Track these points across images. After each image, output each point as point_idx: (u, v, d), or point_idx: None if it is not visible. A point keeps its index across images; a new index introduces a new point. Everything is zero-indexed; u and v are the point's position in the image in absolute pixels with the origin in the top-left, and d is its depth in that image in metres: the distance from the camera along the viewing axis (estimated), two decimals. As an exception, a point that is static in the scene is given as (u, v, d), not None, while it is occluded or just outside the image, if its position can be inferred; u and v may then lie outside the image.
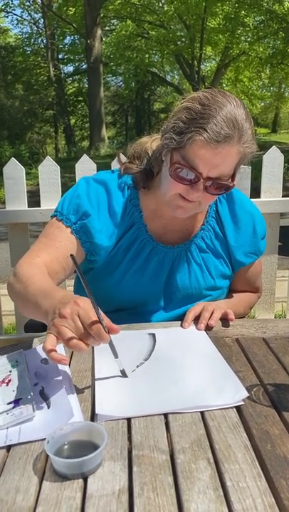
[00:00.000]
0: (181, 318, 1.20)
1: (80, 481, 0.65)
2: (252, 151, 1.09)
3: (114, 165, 2.07)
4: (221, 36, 18.90)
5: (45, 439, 0.72)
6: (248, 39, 18.90)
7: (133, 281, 1.25)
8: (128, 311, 1.27)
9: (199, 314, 1.17)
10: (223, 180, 1.07)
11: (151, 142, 1.26)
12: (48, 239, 1.21)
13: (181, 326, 1.15)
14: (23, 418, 0.78)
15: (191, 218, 1.26)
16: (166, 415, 0.79)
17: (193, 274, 1.27)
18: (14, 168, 2.34)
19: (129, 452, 0.71)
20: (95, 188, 1.24)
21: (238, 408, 0.81)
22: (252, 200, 1.46)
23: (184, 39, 19.77)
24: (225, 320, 1.18)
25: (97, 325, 0.81)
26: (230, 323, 1.18)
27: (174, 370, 0.94)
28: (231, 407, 0.81)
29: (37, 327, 1.41)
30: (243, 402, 0.82)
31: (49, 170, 2.34)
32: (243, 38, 18.99)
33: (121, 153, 1.39)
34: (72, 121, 25.07)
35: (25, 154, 14.09)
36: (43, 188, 2.34)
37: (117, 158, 1.30)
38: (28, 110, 17.94)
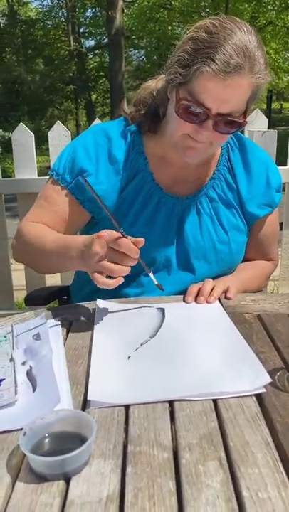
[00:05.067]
0: (196, 280, 1.09)
1: (61, 483, 0.53)
2: (265, 81, 0.96)
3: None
4: (246, 5, 18.11)
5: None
6: (275, 8, 18.04)
7: (141, 233, 1.10)
8: (137, 273, 1.14)
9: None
10: (234, 116, 0.96)
11: (156, 83, 1.12)
12: (46, 202, 1.14)
13: (184, 300, 1.02)
14: (2, 402, 0.66)
15: (203, 166, 1.14)
16: (171, 403, 0.67)
17: (205, 226, 1.15)
18: (23, 134, 2.21)
19: (124, 447, 0.59)
20: (92, 137, 1.12)
21: (259, 396, 0.68)
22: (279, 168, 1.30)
23: (208, 9, 19.03)
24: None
25: (123, 240, 0.86)
26: (250, 297, 1.04)
27: (183, 350, 0.81)
28: (250, 395, 0.68)
29: (37, 300, 1.30)
30: (264, 390, 0.69)
31: (59, 136, 2.21)
32: (270, 6, 18.14)
33: (124, 102, 1.24)
34: (94, 96, 24.69)
35: (45, 130, 13.92)
36: (53, 155, 2.21)
37: (121, 107, 1.17)
38: (48, 85, 17.69)
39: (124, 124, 1.15)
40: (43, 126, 14.54)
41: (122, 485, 0.52)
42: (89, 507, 0.49)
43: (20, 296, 2.85)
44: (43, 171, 2.36)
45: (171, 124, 1.03)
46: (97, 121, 2.20)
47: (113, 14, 17.05)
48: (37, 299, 1.29)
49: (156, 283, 0.98)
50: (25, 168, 2.23)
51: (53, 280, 2.73)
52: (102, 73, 24.12)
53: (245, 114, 0.98)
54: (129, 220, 1.13)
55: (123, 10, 18.50)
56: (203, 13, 19.38)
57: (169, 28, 20.94)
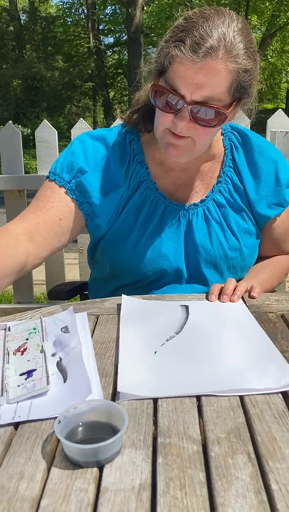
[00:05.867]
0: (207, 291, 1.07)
1: (95, 470, 0.55)
2: (248, 67, 0.91)
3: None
4: (267, 4, 17.95)
5: (57, 417, 0.63)
6: (297, 6, 17.83)
7: (149, 246, 1.11)
8: (148, 284, 1.15)
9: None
10: (212, 106, 0.90)
11: None
12: (39, 201, 1.08)
13: (207, 298, 1.03)
14: (35, 392, 0.68)
15: (204, 169, 1.11)
16: (198, 397, 0.68)
17: (214, 233, 1.12)
18: (47, 131, 2.24)
19: (154, 439, 0.60)
20: (91, 145, 1.10)
21: (285, 394, 0.69)
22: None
23: (228, 7, 18.91)
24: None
25: None
26: (274, 297, 1.05)
27: (208, 346, 0.82)
28: (276, 393, 0.69)
29: (61, 294, 1.33)
30: (290, 388, 0.70)
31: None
32: (291, 5, 17.94)
33: (118, 110, 1.23)
34: (111, 94, 24.74)
35: (63, 127, 14.00)
36: (76, 153, 2.23)
37: (118, 113, 1.16)
38: (67, 82, 17.77)
39: (123, 131, 1.12)
40: (61, 122, 14.62)
41: (153, 474, 0.54)
42: (122, 494, 0.51)
43: (38, 290, 2.90)
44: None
45: (155, 119, 1.00)
46: (118, 121, 2.22)
47: (133, 11, 17.06)
48: (60, 293, 1.32)
49: None
50: (48, 164, 2.26)
51: (71, 276, 2.76)
52: (120, 70, 24.15)
53: (231, 106, 0.94)
54: (135, 232, 1.10)
55: (143, 7, 18.49)
56: (208, 6, 19.16)
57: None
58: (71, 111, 19.04)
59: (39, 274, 2.61)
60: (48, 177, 1.11)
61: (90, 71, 19.98)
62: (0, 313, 2.40)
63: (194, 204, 1.12)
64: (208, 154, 1.10)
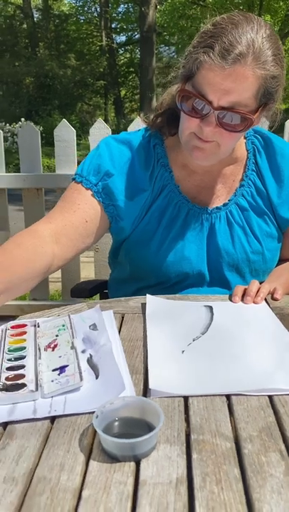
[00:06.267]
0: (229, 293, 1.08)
1: (132, 464, 0.57)
2: (275, 74, 0.92)
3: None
4: (281, 3, 17.84)
5: (92, 412, 0.65)
6: (312, 6, 17.72)
7: (172, 249, 1.12)
8: (169, 287, 1.17)
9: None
10: (238, 111, 0.91)
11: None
12: (65, 202, 1.10)
13: (230, 299, 1.04)
14: (69, 387, 0.70)
15: (227, 172, 1.13)
16: (228, 397, 0.70)
17: (237, 237, 1.13)
18: (65, 131, 2.26)
19: (187, 436, 0.62)
20: (117, 148, 1.12)
21: (313, 395, 0.70)
22: None
23: (241, 6, 18.83)
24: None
25: None
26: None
27: (234, 347, 0.84)
28: (304, 393, 0.70)
29: (83, 292, 1.35)
30: None
31: (100, 133, 2.25)
32: (306, 5, 17.83)
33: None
34: (122, 92, 24.75)
35: (75, 125, 14.03)
36: (94, 152, 2.25)
37: (141, 116, 1.18)
38: (79, 80, 17.82)
39: (147, 134, 1.14)
40: (73, 120, 14.68)
41: (188, 469, 0.56)
42: (161, 487, 0.53)
43: (52, 288, 2.92)
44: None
45: (180, 123, 1.01)
46: (137, 121, 2.24)
47: (146, 10, 17.05)
48: (83, 291, 1.34)
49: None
50: (66, 163, 2.29)
51: (85, 274, 2.78)
52: (131, 69, 24.16)
53: (257, 112, 0.95)
54: (158, 235, 1.12)
55: (156, 6, 18.48)
56: (236, 11, 19.16)
57: (201, 25, 20.74)
58: (82, 109, 19.09)
59: (54, 273, 2.64)
60: (74, 179, 1.13)
61: (101, 69, 20.02)
62: (15, 310, 2.43)
63: (217, 207, 1.13)
64: (231, 158, 1.11)
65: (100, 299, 1.46)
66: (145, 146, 1.13)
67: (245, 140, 1.16)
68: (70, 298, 2.46)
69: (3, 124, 9.18)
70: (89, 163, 1.12)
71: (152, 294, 1.06)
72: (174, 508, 0.50)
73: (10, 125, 9.29)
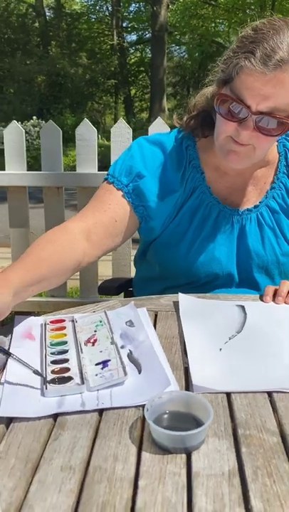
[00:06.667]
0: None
1: (183, 456, 0.58)
2: None
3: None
4: (294, 4, 17.78)
5: (138, 406, 0.67)
6: None
7: (202, 250, 1.14)
8: (198, 287, 1.18)
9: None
10: (276, 116, 0.92)
11: (213, 88, 1.11)
12: (97, 201, 1.13)
13: (261, 299, 1.05)
14: (114, 381, 0.72)
15: (258, 175, 1.14)
16: (270, 393, 0.71)
17: (267, 239, 1.14)
18: (87, 130, 2.28)
19: (233, 430, 0.64)
20: (149, 150, 1.14)
21: None
22: None
23: (253, 6, 18.77)
24: None
25: None
26: None
27: (270, 345, 0.85)
28: None
29: (110, 289, 1.37)
30: None
31: (121, 133, 2.27)
32: None
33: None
34: (132, 91, 24.77)
35: (85, 124, 14.03)
36: (114, 152, 2.27)
37: (174, 118, 1.19)
38: (90, 79, 17.86)
39: (180, 136, 1.15)
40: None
41: (239, 463, 0.57)
42: (214, 479, 0.55)
43: (68, 285, 2.95)
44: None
45: (216, 126, 1.03)
46: (158, 121, 2.25)
47: (158, 9, 17.07)
48: (110, 288, 1.36)
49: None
50: (87, 162, 2.31)
51: (103, 271, 2.80)
52: (142, 68, 24.16)
53: None
54: (189, 236, 1.13)
55: (168, 5, 18.48)
56: (248, 11, 19.21)
57: (213, 25, 20.79)
58: (92, 108, 19.13)
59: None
60: (106, 179, 1.16)
61: (112, 68, 20.05)
62: (33, 306, 2.46)
63: (248, 209, 1.15)
64: (262, 160, 1.13)
65: (124, 297, 1.48)
66: (177, 148, 1.14)
67: (276, 143, 1.17)
68: (87, 295, 2.50)
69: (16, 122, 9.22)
70: (121, 164, 1.14)
71: (181, 293, 1.07)
72: (229, 499, 0.52)
73: (22, 123, 9.37)
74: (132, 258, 1.41)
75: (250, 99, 0.92)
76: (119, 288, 1.40)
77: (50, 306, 2.42)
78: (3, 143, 2.32)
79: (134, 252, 1.37)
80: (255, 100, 0.91)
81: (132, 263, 1.41)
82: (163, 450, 0.59)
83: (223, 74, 0.96)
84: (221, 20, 20.50)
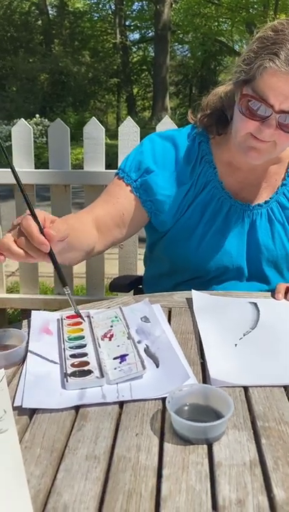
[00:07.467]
0: (269, 289, 1.12)
1: (204, 446, 0.60)
2: None
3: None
4: (297, 3, 17.76)
5: (157, 399, 0.68)
6: None
7: (213, 243, 1.16)
8: (208, 280, 1.20)
9: None
10: None
11: (225, 88, 1.15)
12: (107, 195, 1.18)
13: (272, 296, 1.07)
14: (133, 375, 0.74)
15: (270, 171, 1.16)
16: (286, 387, 0.73)
17: (277, 234, 1.16)
18: (94, 128, 2.29)
19: (252, 423, 0.65)
20: (160, 145, 1.17)
21: None
22: None
23: (256, 6, 18.75)
24: None
25: (27, 219, 0.75)
26: None
27: (283, 342, 0.87)
28: None
29: (122, 287, 1.39)
30: None
31: (129, 131, 2.28)
32: None
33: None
34: (135, 90, 24.77)
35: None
36: (122, 150, 2.28)
37: (188, 114, 1.21)
38: (92, 77, 17.88)
39: (193, 132, 1.18)
40: (87, 118, 14.74)
41: (259, 453, 0.59)
42: (236, 468, 0.56)
43: (74, 283, 2.96)
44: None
45: (235, 123, 1.04)
46: (166, 119, 2.27)
47: (161, 8, 17.08)
48: (122, 286, 1.37)
49: (75, 310, 0.85)
50: (95, 160, 2.32)
51: (108, 269, 2.82)
52: (144, 67, 24.17)
53: None
54: (200, 230, 1.15)
55: (171, 4, 18.48)
56: (251, 10, 19.20)
57: (216, 24, 20.78)
58: (95, 106, 19.14)
59: (79, 268, 2.68)
60: (117, 174, 1.19)
61: (115, 67, 20.05)
62: (40, 304, 2.48)
63: (258, 205, 1.17)
64: (275, 157, 1.14)
65: (134, 294, 1.50)
66: (189, 142, 1.17)
67: None
68: (93, 293, 2.51)
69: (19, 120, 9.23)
70: (132, 160, 1.18)
71: (190, 288, 1.09)
72: (252, 488, 0.53)
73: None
74: (139, 257, 1.43)
75: (274, 99, 0.94)
76: (130, 285, 1.41)
77: (57, 303, 2.44)
78: (5, 140, 2.34)
79: (140, 251, 1.39)
80: (279, 99, 0.94)
81: (138, 262, 1.43)
82: (184, 441, 0.61)
83: (245, 74, 0.97)
84: (224, 19, 20.49)
